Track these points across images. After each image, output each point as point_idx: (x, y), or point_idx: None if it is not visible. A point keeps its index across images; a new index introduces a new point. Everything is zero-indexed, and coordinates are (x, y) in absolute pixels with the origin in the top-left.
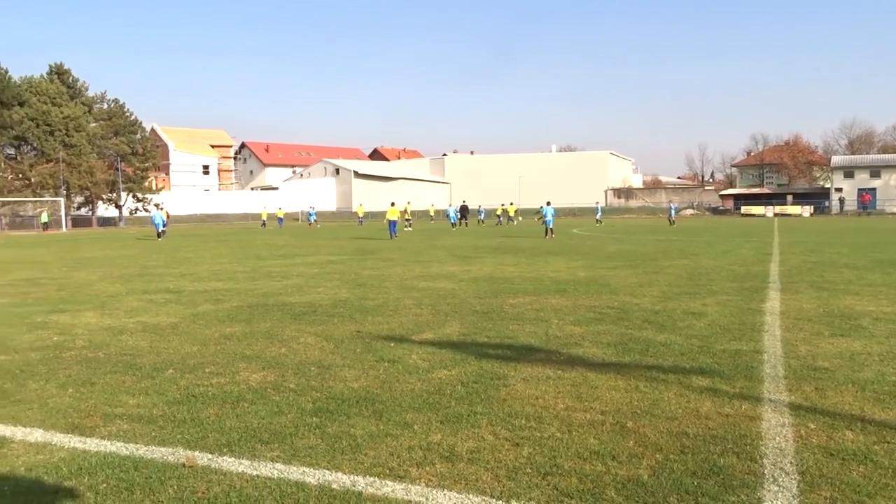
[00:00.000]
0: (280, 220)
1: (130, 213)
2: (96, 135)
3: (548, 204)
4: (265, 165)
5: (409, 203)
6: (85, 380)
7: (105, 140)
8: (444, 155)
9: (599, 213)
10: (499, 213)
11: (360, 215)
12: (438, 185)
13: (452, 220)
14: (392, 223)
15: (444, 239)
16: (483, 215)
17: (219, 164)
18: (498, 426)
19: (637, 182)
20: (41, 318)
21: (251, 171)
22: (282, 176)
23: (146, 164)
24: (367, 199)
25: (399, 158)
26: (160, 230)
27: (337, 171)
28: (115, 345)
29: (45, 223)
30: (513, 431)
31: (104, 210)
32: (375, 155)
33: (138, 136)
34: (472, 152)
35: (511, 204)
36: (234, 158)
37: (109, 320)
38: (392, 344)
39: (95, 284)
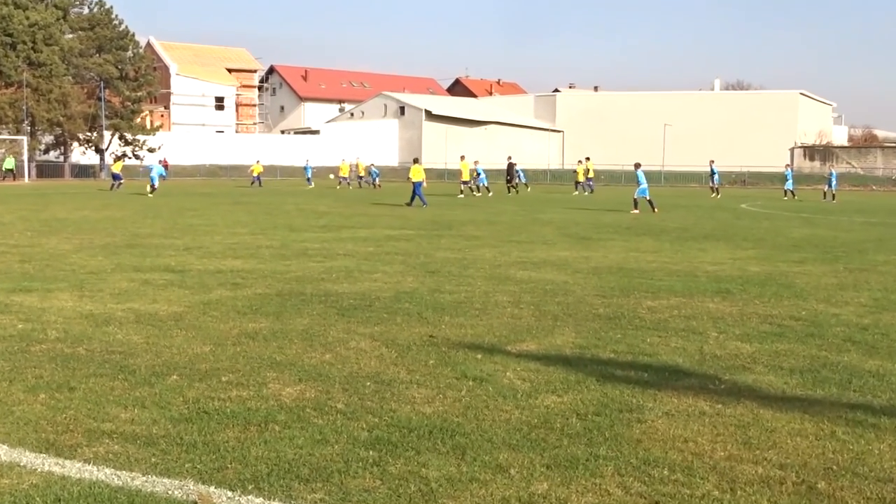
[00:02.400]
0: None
1: (114, 160)
2: (72, 50)
3: (637, 167)
4: (301, 99)
5: (476, 162)
6: (62, 383)
7: (84, 58)
8: (556, 91)
9: (790, 182)
10: (580, 176)
11: (256, 174)
12: (547, 133)
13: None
14: (417, 185)
15: (551, 211)
16: (523, 178)
17: (237, 95)
18: (629, 476)
19: (840, 137)
20: (0, 299)
21: (282, 108)
22: (324, 115)
23: (139, 94)
24: (442, 149)
25: (490, 94)
26: (153, 185)
27: (402, 109)
28: (100, 338)
29: (10, 170)
30: (650, 486)
31: (81, 155)
32: (457, 88)
33: (129, 53)
34: (595, 88)
35: (587, 159)
36: (259, 88)
37: (91, 305)
38: (479, 355)
39: (70, 256)
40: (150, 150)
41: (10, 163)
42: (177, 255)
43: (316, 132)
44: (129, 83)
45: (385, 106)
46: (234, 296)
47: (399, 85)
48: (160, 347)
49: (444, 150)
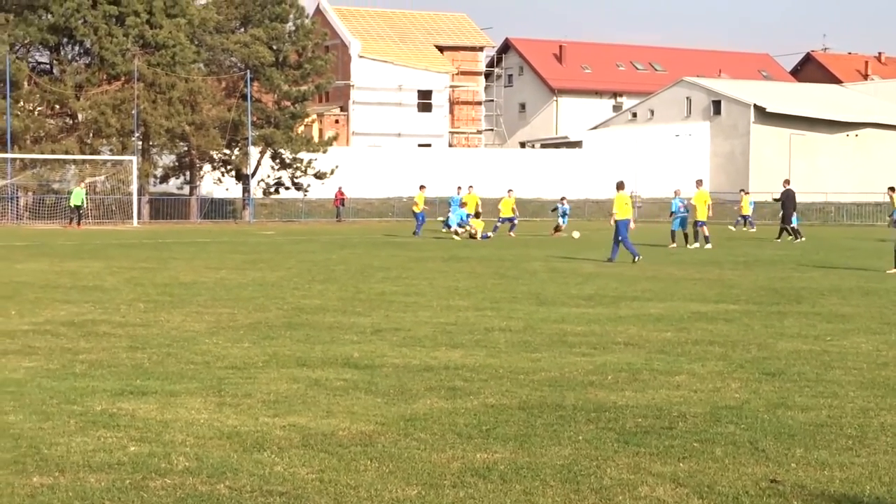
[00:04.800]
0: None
1: (266, 192)
2: (206, 24)
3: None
4: (554, 92)
5: (511, 192)
6: None
7: (223, 35)
8: None
9: None
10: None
11: (419, 209)
12: None
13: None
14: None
15: None
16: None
17: (453, 89)
18: None
19: None
20: (102, 405)
21: (522, 106)
22: (589, 115)
23: (303, 89)
24: (783, 165)
25: (865, 77)
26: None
27: (716, 105)
28: (250, 470)
29: (78, 207)
30: None
31: (214, 184)
32: (808, 69)
33: (290, 25)
34: None
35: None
36: (488, 76)
37: (235, 418)
38: None
39: (203, 340)
40: (318, 177)
41: (78, 196)
42: (362, 342)
43: (576, 144)
44: (288, 72)
45: (688, 100)
46: (451, 408)
47: (712, 65)
48: (341, 487)
49: (785, 166)
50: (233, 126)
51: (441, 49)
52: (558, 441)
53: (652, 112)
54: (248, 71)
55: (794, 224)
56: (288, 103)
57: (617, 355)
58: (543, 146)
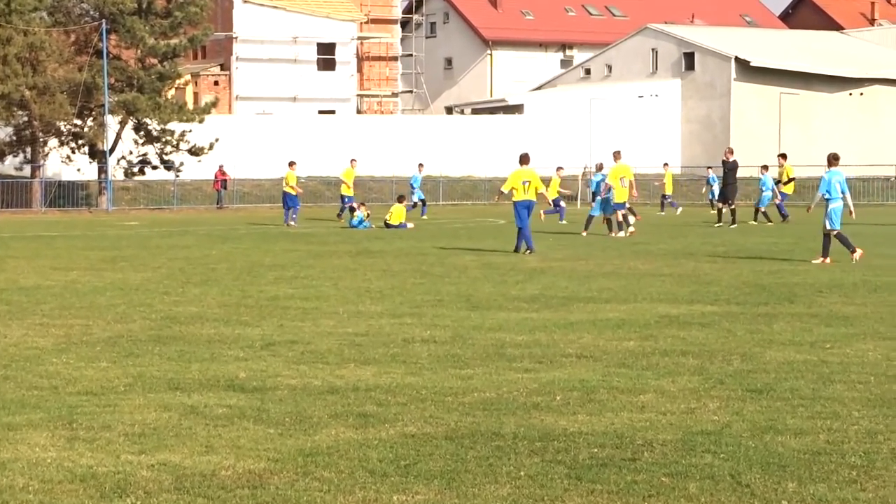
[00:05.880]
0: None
1: (129, 173)
2: None
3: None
4: (488, 45)
5: (560, 169)
6: None
7: None
8: None
9: None
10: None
11: (347, 195)
12: None
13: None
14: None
15: None
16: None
17: (361, 42)
18: None
19: None
20: None
21: (448, 62)
22: (531, 73)
23: (172, 43)
24: (773, 131)
25: (871, 22)
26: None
27: (688, 58)
28: None
29: None
30: None
31: (63, 163)
32: (800, 14)
33: None
34: None
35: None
36: (404, 26)
37: (90, 457)
38: None
39: (49, 359)
40: (194, 153)
41: None
42: (249, 359)
43: (516, 108)
44: (154, 21)
45: (654, 53)
46: (362, 439)
47: (683, 9)
48: None
49: (774, 132)
50: (85, 90)
51: None
52: (495, 478)
53: (609, 68)
54: (104, 21)
55: (718, 199)
56: (154, 61)
57: (567, 371)
58: (475, 111)
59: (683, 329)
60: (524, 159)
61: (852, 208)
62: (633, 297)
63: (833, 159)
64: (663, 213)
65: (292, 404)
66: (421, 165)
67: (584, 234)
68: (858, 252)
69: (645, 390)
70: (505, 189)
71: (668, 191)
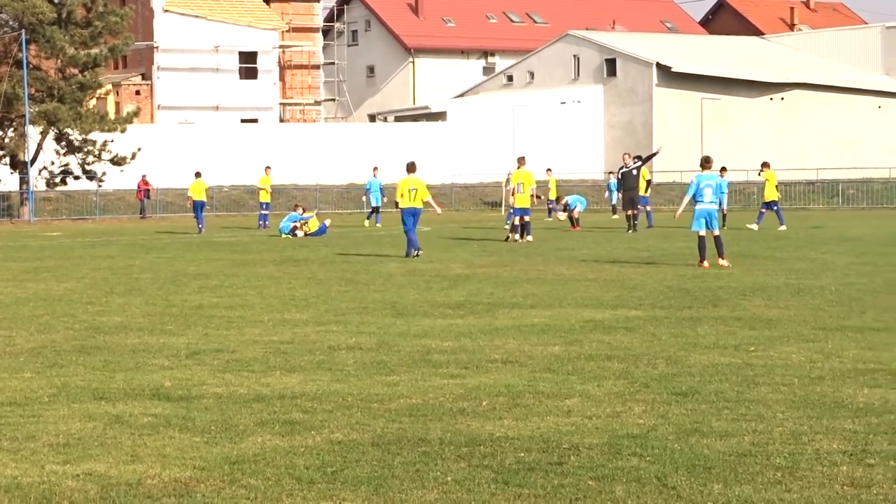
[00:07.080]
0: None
1: (51, 183)
2: None
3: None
4: (410, 52)
5: (549, 171)
6: None
7: None
8: None
9: None
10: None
11: (264, 202)
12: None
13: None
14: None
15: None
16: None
17: (283, 49)
18: None
19: None
20: None
21: (370, 70)
22: (453, 80)
23: (93, 52)
24: (695, 138)
25: (791, 27)
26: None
27: (610, 64)
28: None
29: None
30: None
31: None
32: (721, 19)
33: None
34: None
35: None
36: (326, 34)
37: (15, 467)
38: None
39: None
40: (116, 162)
41: None
42: (175, 368)
43: (438, 115)
44: (74, 31)
45: (576, 59)
46: (288, 447)
47: (604, 16)
48: None
49: (697, 137)
50: (5, 101)
51: (267, 1)
52: (422, 483)
53: (532, 74)
54: (24, 31)
55: (625, 206)
56: (75, 71)
57: (493, 376)
58: (398, 119)
59: (608, 334)
60: (411, 168)
61: (725, 212)
62: (557, 302)
63: (705, 162)
64: (550, 219)
65: (218, 412)
66: (376, 169)
67: (512, 239)
68: (706, 264)
69: (571, 395)
70: (396, 197)
71: (553, 196)
